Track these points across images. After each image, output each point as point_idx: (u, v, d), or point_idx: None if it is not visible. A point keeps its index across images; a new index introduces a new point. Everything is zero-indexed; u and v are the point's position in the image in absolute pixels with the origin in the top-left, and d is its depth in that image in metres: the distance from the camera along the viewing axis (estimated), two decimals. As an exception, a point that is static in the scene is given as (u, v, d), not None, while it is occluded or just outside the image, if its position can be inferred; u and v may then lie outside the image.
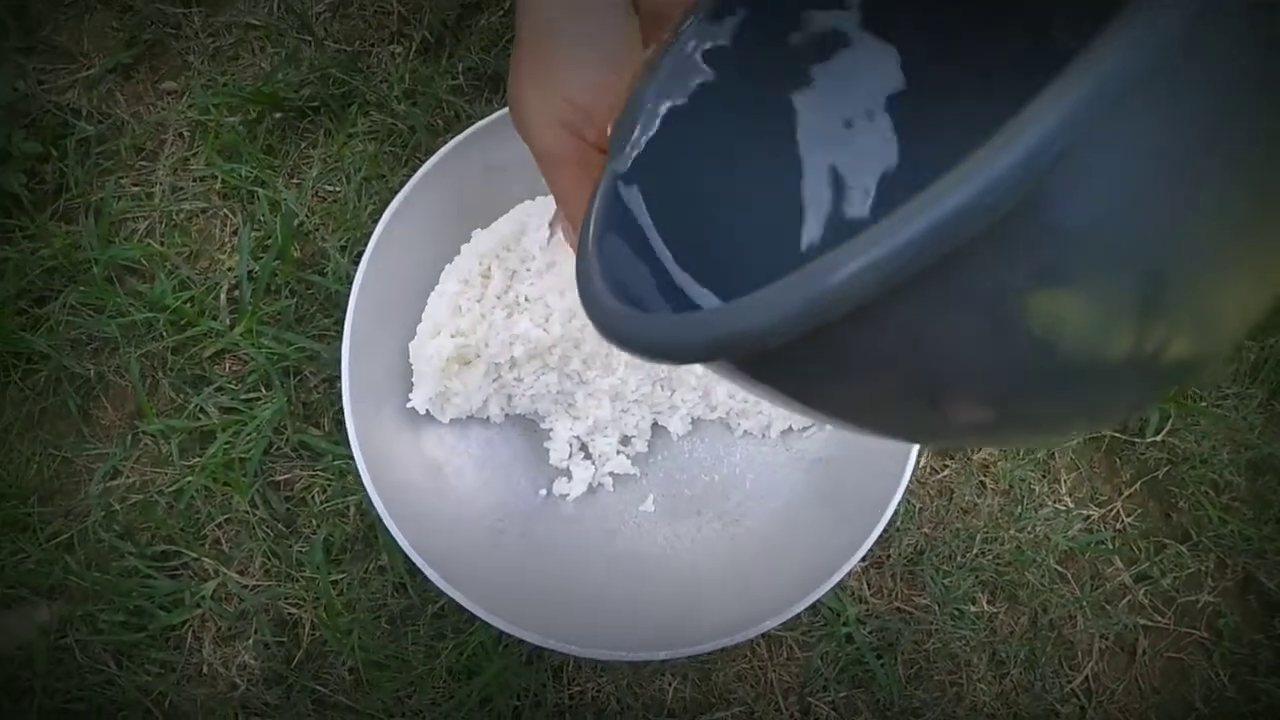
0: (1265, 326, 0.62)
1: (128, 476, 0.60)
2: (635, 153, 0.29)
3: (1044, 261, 0.17)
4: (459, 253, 0.51)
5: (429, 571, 0.45)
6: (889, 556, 0.60)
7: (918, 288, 0.17)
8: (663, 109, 0.30)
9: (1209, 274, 0.18)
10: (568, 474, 0.54)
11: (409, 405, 0.51)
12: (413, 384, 0.51)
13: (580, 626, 0.46)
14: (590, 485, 0.54)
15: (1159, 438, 0.62)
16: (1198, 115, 0.16)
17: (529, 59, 0.41)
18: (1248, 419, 0.62)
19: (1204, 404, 0.62)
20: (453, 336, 0.48)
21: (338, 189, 0.63)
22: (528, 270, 0.48)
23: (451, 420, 0.52)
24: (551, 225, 0.49)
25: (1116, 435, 0.62)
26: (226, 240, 0.63)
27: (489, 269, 0.49)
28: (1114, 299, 0.17)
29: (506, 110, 0.51)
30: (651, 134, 0.30)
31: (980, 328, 0.18)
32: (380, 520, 0.48)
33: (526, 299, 0.48)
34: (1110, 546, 0.61)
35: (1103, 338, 0.18)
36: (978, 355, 0.19)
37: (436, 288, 0.51)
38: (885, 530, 0.50)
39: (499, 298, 0.48)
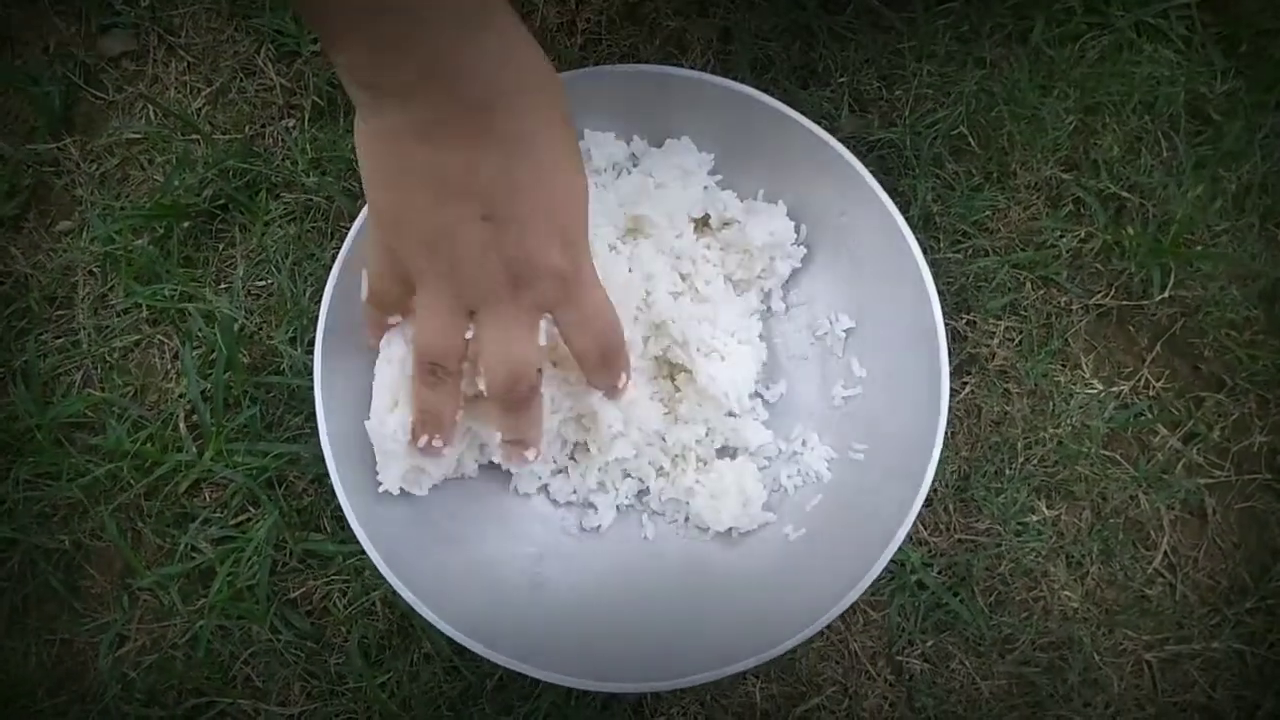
0: (1236, 153, 0.61)
1: (135, 639, 0.55)
2: None
3: None
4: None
5: (480, 649, 0.42)
6: (936, 491, 0.57)
7: None
8: None
9: None
10: (592, 506, 0.51)
11: (380, 489, 0.47)
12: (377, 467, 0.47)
13: (650, 659, 0.43)
14: (619, 508, 0.51)
15: (1165, 294, 0.60)
16: None
17: (570, 142, 0.40)
18: (1248, 250, 0.60)
19: (1200, 248, 0.60)
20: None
21: (269, 281, 0.59)
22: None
23: (440, 483, 0.49)
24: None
25: (1124, 303, 0.60)
26: (169, 366, 0.59)
27: None
28: None
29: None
30: None
31: None
32: (415, 611, 0.44)
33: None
34: (1150, 416, 0.59)
35: None
36: None
37: (381, 355, 0.46)
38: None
39: None
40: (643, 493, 0.53)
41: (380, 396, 0.45)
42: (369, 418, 0.46)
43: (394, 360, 0.45)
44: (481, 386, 0.43)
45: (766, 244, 0.53)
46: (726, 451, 0.54)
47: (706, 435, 0.53)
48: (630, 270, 0.50)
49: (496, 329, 0.41)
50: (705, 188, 0.54)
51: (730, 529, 0.52)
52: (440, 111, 0.36)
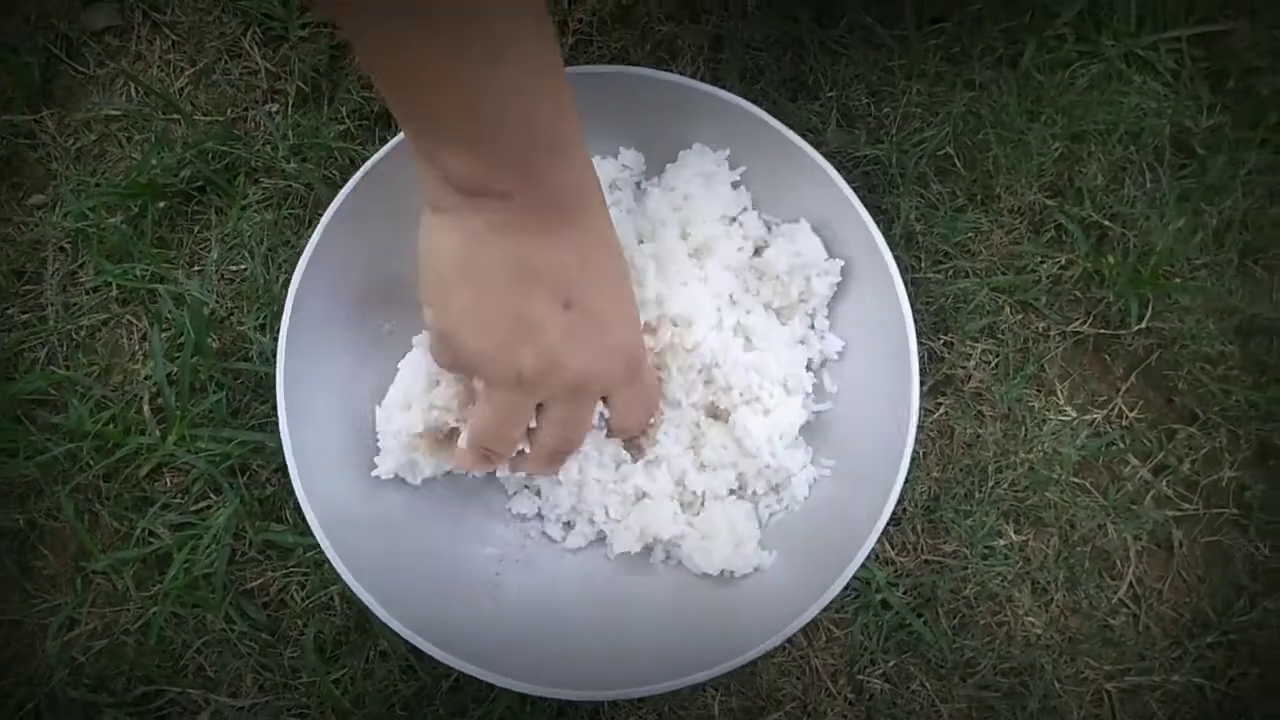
0: (1219, 188, 0.61)
1: (86, 623, 0.54)
2: None
3: None
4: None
5: (435, 651, 0.41)
6: (905, 511, 0.57)
7: None
8: None
9: None
10: (571, 525, 0.51)
11: (374, 474, 0.47)
12: (378, 450, 0.47)
13: (607, 667, 0.42)
14: (588, 540, 0.51)
15: (1143, 325, 0.60)
16: None
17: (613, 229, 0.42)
18: (1226, 285, 0.60)
19: (1179, 281, 0.60)
20: (425, 410, 0.45)
21: (243, 266, 0.59)
22: None
23: (423, 481, 0.48)
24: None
25: (1101, 332, 0.60)
26: (136, 347, 0.58)
27: None
28: None
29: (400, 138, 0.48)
30: None
31: None
32: (370, 610, 0.44)
33: None
34: (1122, 445, 0.59)
35: None
36: None
37: (410, 354, 0.46)
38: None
39: None
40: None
41: (396, 393, 0.46)
42: (379, 405, 0.47)
43: (421, 365, 0.45)
44: (526, 449, 0.45)
45: (794, 266, 0.51)
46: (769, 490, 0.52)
47: (736, 479, 0.51)
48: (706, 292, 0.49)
49: (560, 418, 0.43)
50: (732, 184, 0.53)
51: (722, 571, 0.49)
52: (530, 208, 0.37)
